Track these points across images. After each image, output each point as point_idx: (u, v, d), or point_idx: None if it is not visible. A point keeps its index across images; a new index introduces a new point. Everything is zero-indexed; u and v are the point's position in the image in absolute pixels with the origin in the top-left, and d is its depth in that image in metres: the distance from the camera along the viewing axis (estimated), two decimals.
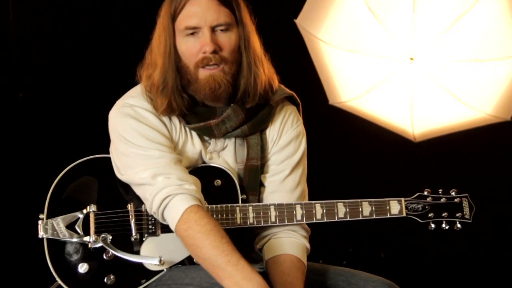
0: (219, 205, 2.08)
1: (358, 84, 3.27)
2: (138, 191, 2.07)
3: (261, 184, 2.17)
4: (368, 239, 3.92)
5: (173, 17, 2.06)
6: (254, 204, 2.11)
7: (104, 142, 2.18)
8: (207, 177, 2.12)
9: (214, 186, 2.13)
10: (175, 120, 2.13)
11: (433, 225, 2.23)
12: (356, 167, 3.88)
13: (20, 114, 3.33)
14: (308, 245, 2.17)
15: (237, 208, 2.08)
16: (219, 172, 2.14)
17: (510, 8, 2.89)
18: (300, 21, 3.29)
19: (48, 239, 2.10)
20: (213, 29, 2.03)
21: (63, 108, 3.39)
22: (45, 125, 3.35)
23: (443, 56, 3.00)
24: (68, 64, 3.42)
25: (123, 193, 2.14)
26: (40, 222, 2.11)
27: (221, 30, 2.04)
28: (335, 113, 3.50)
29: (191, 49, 2.04)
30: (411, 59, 3.06)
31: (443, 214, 2.23)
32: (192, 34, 2.03)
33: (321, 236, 3.58)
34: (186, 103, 2.08)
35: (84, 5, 3.42)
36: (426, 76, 3.08)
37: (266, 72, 2.13)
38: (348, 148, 3.90)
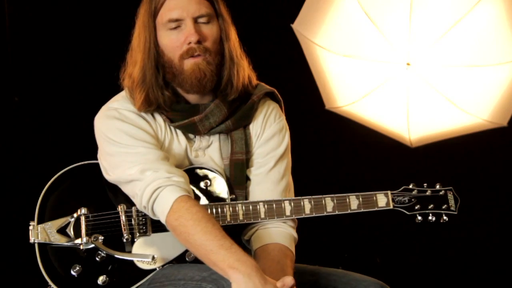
0: (208, 204, 2.09)
1: (355, 89, 3.28)
2: (127, 189, 2.08)
3: (247, 179, 2.19)
4: (364, 245, 3.92)
5: (154, 13, 2.10)
6: (242, 201, 2.12)
7: (87, 149, 2.20)
8: (195, 178, 2.13)
9: (202, 187, 2.14)
10: (160, 119, 2.15)
11: (419, 217, 2.24)
12: (350, 170, 3.87)
13: (14, 119, 3.32)
14: (295, 235, 2.18)
15: (227, 206, 2.10)
16: (208, 173, 2.15)
17: (507, 14, 2.90)
18: (296, 26, 3.30)
19: (39, 244, 2.09)
20: (195, 20, 2.08)
21: (57, 114, 3.38)
22: (38, 130, 3.34)
23: (439, 61, 3.01)
24: (63, 70, 3.41)
25: (113, 197, 2.14)
26: (30, 227, 2.10)
27: (203, 22, 2.09)
28: (331, 118, 3.50)
29: (175, 41, 2.08)
30: (408, 64, 3.06)
31: (430, 206, 2.24)
32: (175, 28, 2.08)
33: (317, 242, 3.60)
34: (167, 99, 2.12)
35: (79, 12, 3.42)
36: (422, 81, 3.09)
37: (246, 65, 2.19)
38: (343, 152, 3.90)
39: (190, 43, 2.05)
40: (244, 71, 2.16)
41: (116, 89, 2.22)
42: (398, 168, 3.70)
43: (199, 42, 2.06)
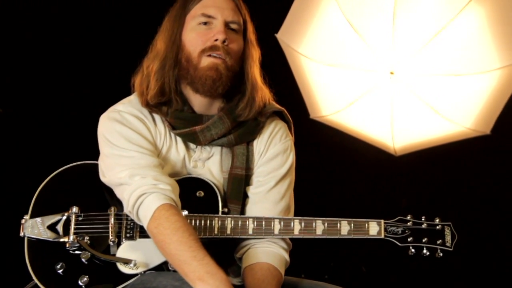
0: (198, 215, 2.08)
1: (339, 98, 3.29)
2: (117, 192, 2.09)
3: (246, 196, 2.17)
4: (349, 254, 3.92)
5: (188, 9, 2.14)
6: (232, 215, 2.11)
7: (91, 149, 2.20)
8: (190, 187, 2.13)
9: (196, 197, 2.13)
10: (161, 125, 2.15)
11: (413, 250, 2.18)
12: (338, 181, 3.88)
13: (7, 120, 3.33)
14: (287, 258, 2.16)
15: (216, 219, 2.08)
16: (203, 184, 2.14)
17: (489, 23, 2.92)
18: (281, 36, 3.31)
19: (29, 239, 2.12)
20: (226, 25, 2.10)
21: (52, 114, 3.41)
22: (33, 132, 3.37)
23: (423, 70, 3.03)
24: (49, 75, 3.42)
25: (107, 198, 2.15)
26: (23, 221, 2.13)
27: (232, 29, 2.12)
28: (316, 127, 3.50)
29: (202, 34, 2.09)
30: (391, 73, 3.08)
31: (423, 240, 2.17)
32: (205, 23, 2.10)
33: (303, 250, 3.59)
34: (179, 99, 2.12)
35: (63, 17, 3.42)
36: (406, 90, 3.11)
37: (264, 94, 2.19)
38: (330, 163, 3.90)
39: (216, 40, 2.06)
40: (264, 97, 2.18)
41: (116, 89, 2.22)
42: (386, 179, 3.71)
43: (224, 42, 2.07)
